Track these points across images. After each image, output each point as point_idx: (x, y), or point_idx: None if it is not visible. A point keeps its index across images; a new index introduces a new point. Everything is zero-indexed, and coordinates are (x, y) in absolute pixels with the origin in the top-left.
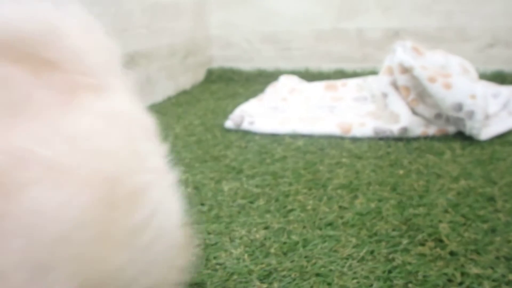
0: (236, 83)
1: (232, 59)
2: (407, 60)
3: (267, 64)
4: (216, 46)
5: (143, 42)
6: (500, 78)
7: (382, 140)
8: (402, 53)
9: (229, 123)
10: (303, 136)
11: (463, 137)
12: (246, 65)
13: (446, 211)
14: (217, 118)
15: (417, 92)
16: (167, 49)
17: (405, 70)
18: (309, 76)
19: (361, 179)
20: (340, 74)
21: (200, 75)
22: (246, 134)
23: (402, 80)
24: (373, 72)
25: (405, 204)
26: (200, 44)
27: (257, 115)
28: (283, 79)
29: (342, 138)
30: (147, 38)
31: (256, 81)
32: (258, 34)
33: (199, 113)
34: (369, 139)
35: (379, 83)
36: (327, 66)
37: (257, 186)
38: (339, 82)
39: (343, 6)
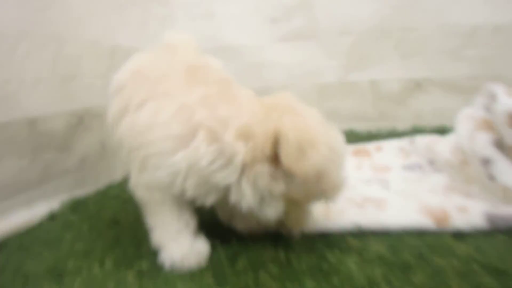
0: None
1: None
2: None
3: None
4: None
5: None
6: None
7: (501, 233)
8: (507, 97)
9: None
10: (369, 234)
11: None
12: None
13: None
14: None
15: None
16: None
17: None
18: None
19: None
20: (351, 136)
21: None
22: None
23: None
24: (392, 133)
25: None
26: None
27: None
28: None
29: (438, 234)
30: None
31: None
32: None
33: None
34: (481, 234)
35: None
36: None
37: None
38: (371, 146)
39: (351, 54)
